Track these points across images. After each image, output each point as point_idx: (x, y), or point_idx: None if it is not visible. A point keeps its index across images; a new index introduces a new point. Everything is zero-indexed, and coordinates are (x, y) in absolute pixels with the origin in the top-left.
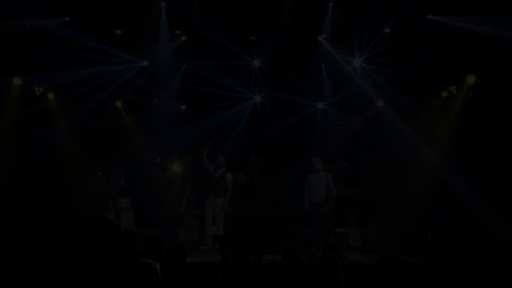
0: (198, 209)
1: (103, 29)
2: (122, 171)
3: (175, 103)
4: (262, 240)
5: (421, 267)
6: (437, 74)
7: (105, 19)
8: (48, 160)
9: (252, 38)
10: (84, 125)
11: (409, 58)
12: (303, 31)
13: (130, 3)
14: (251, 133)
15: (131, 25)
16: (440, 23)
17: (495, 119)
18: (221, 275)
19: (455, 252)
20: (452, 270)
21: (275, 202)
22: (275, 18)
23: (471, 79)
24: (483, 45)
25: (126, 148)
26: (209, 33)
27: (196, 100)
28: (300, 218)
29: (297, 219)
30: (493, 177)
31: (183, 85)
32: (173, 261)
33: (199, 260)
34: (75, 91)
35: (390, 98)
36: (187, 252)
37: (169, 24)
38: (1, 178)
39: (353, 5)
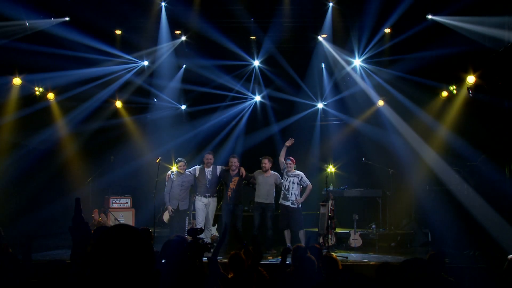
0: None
1: (103, 29)
2: None
3: (175, 103)
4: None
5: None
6: (437, 74)
7: (105, 19)
8: (48, 160)
9: (252, 38)
10: (84, 125)
11: (409, 58)
12: (303, 31)
13: (130, 3)
14: (251, 133)
15: (131, 25)
16: (440, 23)
17: (495, 119)
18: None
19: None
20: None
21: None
22: (275, 18)
23: (471, 79)
24: (483, 45)
25: (126, 148)
26: (209, 33)
27: (196, 100)
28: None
29: None
30: (493, 177)
31: (183, 85)
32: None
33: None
34: (75, 91)
35: (390, 98)
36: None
37: (169, 24)
38: (1, 178)
39: (353, 5)
